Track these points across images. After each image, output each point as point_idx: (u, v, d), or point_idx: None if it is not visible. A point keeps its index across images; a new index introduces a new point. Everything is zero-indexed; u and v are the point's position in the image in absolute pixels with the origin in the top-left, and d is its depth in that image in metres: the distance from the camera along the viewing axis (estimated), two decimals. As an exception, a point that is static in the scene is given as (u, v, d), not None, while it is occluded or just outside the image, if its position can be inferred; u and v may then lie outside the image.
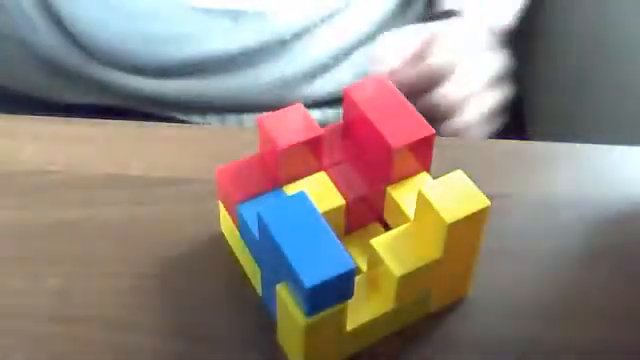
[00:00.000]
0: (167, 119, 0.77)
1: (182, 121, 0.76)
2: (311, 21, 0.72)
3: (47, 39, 0.75)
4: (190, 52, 0.71)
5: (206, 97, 0.74)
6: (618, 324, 0.50)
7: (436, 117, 0.68)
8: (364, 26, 0.77)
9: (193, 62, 0.72)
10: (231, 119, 0.77)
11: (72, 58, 0.75)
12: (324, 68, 0.75)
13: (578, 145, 0.60)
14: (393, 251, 0.45)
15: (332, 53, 0.75)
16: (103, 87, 0.75)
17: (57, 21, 0.74)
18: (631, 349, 0.48)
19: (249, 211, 0.47)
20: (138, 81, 0.73)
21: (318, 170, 0.49)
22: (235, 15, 0.69)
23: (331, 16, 0.74)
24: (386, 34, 0.72)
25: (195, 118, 0.76)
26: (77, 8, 0.71)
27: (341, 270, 0.40)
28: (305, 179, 0.49)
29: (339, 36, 0.75)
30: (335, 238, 0.41)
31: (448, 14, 0.74)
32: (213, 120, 0.77)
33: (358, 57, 0.76)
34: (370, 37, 0.77)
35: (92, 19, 0.72)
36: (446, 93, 0.68)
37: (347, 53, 0.76)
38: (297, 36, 0.73)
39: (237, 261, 0.51)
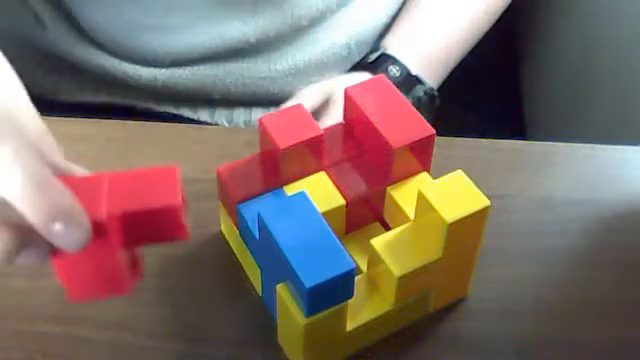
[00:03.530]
0: (174, 118, 0.76)
1: (190, 120, 0.76)
2: (328, 7, 0.72)
3: (56, 35, 0.74)
4: (204, 38, 0.71)
5: (218, 85, 0.74)
6: (618, 322, 0.50)
7: None
8: (378, 17, 0.77)
9: (208, 48, 0.72)
10: (240, 114, 0.77)
11: (83, 52, 0.74)
12: (337, 59, 0.75)
13: (578, 145, 0.60)
14: (393, 251, 0.45)
15: (344, 42, 0.75)
16: (114, 82, 0.75)
17: (67, 16, 0.74)
18: (631, 346, 0.49)
19: (249, 211, 0.47)
20: (151, 71, 0.73)
21: (318, 170, 0.49)
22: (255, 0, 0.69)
23: (347, 2, 0.74)
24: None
25: (204, 115, 0.76)
26: (88, 2, 0.71)
27: (341, 270, 0.40)
28: (305, 179, 0.49)
29: (353, 26, 0.75)
30: (335, 238, 0.41)
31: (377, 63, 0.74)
32: (222, 117, 0.76)
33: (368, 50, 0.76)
34: (385, 28, 0.77)
35: (104, 12, 0.71)
36: None
37: (359, 44, 0.76)
38: (313, 22, 0.73)
39: (237, 261, 0.51)
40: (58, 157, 0.38)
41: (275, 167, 0.48)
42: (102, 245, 0.35)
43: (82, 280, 0.38)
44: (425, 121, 0.48)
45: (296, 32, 0.73)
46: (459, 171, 0.45)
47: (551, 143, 0.60)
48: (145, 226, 0.37)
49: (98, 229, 0.35)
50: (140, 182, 0.37)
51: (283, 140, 0.47)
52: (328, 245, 0.41)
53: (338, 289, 0.41)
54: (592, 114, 0.84)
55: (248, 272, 0.51)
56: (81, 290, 0.38)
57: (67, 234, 0.33)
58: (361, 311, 0.46)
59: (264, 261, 0.47)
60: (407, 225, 0.46)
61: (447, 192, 0.44)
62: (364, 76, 0.73)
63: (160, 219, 0.37)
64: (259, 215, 0.42)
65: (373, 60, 0.74)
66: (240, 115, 0.77)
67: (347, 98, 0.50)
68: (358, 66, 0.75)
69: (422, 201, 0.44)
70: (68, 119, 0.60)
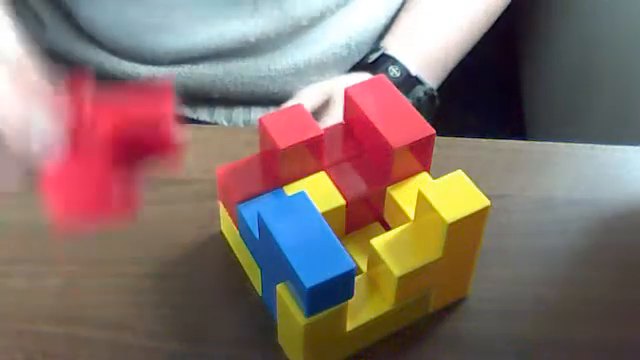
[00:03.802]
0: None
1: (189, 119, 0.76)
2: (327, 7, 0.73)
3: (56, 34, 0.75)
4: (204, 37, 0.71)
5: (217, 84, 0.74)
6: (618, 322, 0.50)
7: None
8: (378, 18, 0.77)
9: (207, 47, 0.72)
10: (239, 114, 0.77)
11: (82, 51, 0.74)
12: (336, 59, 0.76)
13: (578, 145, 0.60)
14: (393, 251, 0.45)
15: (344, 42, 0.75)
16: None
17: (66, 15, 0.74)
18: (631, 346, 0.49)
19: (249, 211, 0.47)
20: (150, 70, 0.73)
21: (318, 170, 0.49)
22: None
23: (346, 2, 0.74)
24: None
25: (203, 115, 0.76)
26: (89, 1, 0.71)
27: (341, 270, 0.40)
28: (305, 179, 0.49)
29: (353, 26, 0.75)
30: (335, 238, 0.41)
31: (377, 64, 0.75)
32: (221, 116, 0.76)
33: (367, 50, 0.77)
34: (384, 29, 0.77)
35: (106, 11, 0.71)
36: None
37: (359, 45, 0.76)
38: (313, 22, 0.73)
39: (237, 261, 0.51)
40: (38, 77, 0.40)
41: (275, 167, 0.48)
42: (91, 155, 0.36)
43: (71, 194, 0.38)
44: (425, 121, 0.48)
45: (296, 32, 0.73)
46: (459, 171, 0.45)
47: (551, 143, 0.60)
48: (135, 137, 0.37)
49: (86, 139, 0.36)
50: (132, 93, 0.38)
51: (283, 140, 0.47)
52: (328, 245, 0.41)
53: (338, 289, 0.41)
54: (592, 114, 0.84)
55: (248, 272, 0.51)
56: (70, 205, 0.38)
57: (44, 153, 0.36)
58: (361, 311, 0.46)
59: (264, 261, 0.47)
60: (407, 225, 0.46)
61: (447, 192, 0.44)
62: (364, 76, 0.73)
63: (150, 126, 0.37)
64: (259, 215, 0.42)
65: (373, 60, 0.74)
66: (239, 114, 0.77)
67: (347, 98, 0.50)
68: (358, 66, 0.75)
69: (422, 201, 0.44)
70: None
